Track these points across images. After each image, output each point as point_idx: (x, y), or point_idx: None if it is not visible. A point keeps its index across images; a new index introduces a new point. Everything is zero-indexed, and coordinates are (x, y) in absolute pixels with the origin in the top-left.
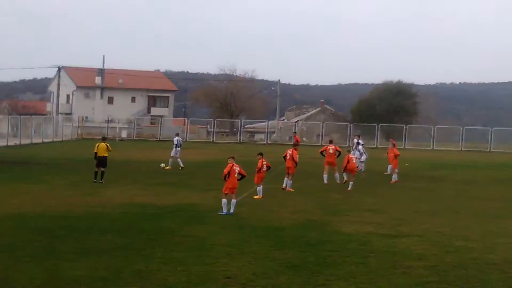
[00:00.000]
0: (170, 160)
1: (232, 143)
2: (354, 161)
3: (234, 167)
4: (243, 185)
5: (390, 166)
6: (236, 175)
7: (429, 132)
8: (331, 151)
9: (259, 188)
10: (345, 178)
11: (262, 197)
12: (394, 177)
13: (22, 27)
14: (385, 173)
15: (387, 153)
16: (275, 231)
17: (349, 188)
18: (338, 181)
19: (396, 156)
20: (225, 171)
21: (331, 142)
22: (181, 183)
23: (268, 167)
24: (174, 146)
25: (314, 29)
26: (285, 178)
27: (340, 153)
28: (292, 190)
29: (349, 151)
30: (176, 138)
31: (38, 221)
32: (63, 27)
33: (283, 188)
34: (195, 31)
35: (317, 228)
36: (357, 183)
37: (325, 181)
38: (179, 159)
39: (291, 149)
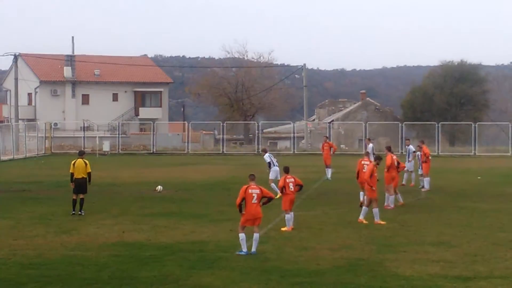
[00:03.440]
0: (273, 185)
1: (248, 154)
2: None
3: (250, 191)
4: (267, 213)
5: (426, 179)
6: (254, 201)
7: (506, 131)
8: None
9: (288, 217)
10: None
11: (292, 228)
12: (398, 198)
13: None
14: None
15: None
16: (312, 276)
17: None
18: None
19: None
20: (238, 198)
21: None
22: (184, 213)
23: (300, 186)
24: (269, 165)
25: None
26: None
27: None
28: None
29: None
30: (267, 154)
31: (1, 271)
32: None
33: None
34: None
35: (366, 270)
36: (415, 206)
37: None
38: (273, 184)
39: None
